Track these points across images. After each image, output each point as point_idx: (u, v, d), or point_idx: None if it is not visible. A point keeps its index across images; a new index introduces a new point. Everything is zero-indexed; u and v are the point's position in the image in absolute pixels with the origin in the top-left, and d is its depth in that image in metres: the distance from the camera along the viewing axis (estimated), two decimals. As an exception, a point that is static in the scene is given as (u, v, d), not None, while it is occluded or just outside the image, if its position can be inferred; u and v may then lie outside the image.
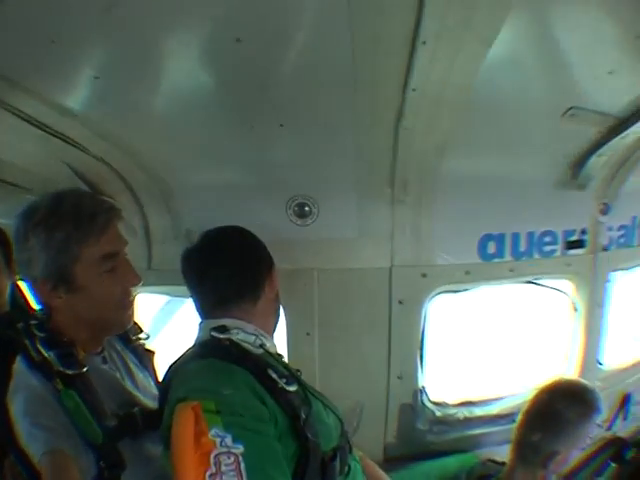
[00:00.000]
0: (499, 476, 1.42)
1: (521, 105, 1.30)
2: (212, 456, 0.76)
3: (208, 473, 0.75)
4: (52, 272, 0.95)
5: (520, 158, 1.52)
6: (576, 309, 1.86)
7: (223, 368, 0.91)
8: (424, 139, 1.29)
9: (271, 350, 1.05)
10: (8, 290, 1.50)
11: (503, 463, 1.53)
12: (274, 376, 0.92)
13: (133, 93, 1.14)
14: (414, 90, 1.09)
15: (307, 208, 1.40)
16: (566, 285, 1.84)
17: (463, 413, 1.76)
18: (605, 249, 1.82)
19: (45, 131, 1.26)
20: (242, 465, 0.76)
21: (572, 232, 1.73)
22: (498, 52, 1.04)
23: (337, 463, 0.97)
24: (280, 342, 1.28)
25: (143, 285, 1.23)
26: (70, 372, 0.93)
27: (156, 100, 1.18)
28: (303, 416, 0.90)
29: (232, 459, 0.76)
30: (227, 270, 1.06)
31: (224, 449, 0.76)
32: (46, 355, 0.94)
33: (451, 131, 1.28)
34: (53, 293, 0.96)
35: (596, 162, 1.56)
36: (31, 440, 0.87)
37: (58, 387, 0.91)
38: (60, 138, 1.29)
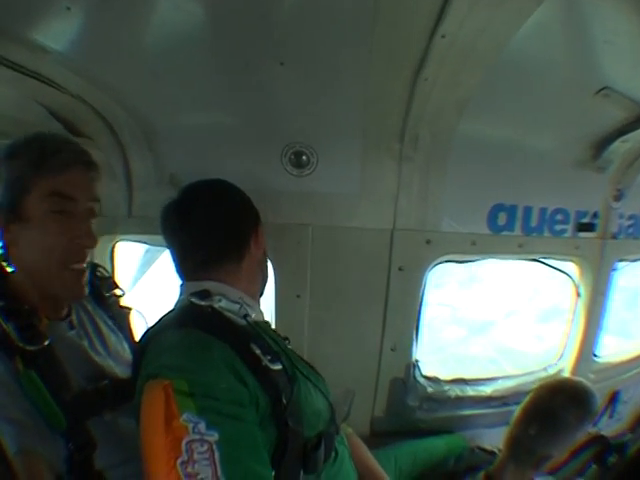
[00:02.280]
0: (489, 469, 1.38)
1: (554, 76, 1.22)
2: (184, 443, 0.69)
3: (179, 461, 0.68)
4: (4, 202, 0.90)
5: (542, 130, 1.42)
6: (579, 294, 1.79)
7: (201, 341, 0.81)
8: (443, 93, 1.17)
9: (257, 319, 0.96)
10: None
11: (492, 452, 1.49)
12: (257, 352, 0.83)
13: (111, 25, 1.01)
14: (443, 37, 0.97)
15: (305, 157, 1.26)
16: (572, 268, 1.77)
17: (455, 391, 1.70)
18: (614, 237, 1.75)
19: (16, 70, 1.14)
20: (216, 454, 0.69)
21: (584, 214, 1.66)
22: (540, 16, 0.95)
23: (321, 451, 0.89)
24: (267, 304, 1.18)
25: (123, 233, 1.12)
26: (31, 348, 0.84)
27: (138, 32, 1.05)
28: (284, 400, 0.82)
29: (206, 447, 0.69)
30: (208, 227, 0.97)
31: (197, 436, 0.69)
32: (5, 327, 0.85)
33: (474, 89, 1.17)
34: (5, 226, 0.91)
35: (619, 147, 1.50)
36: (2, 433, 0.80)
37: (18, 367, 0.83)
38: (33, 77, 1.18)
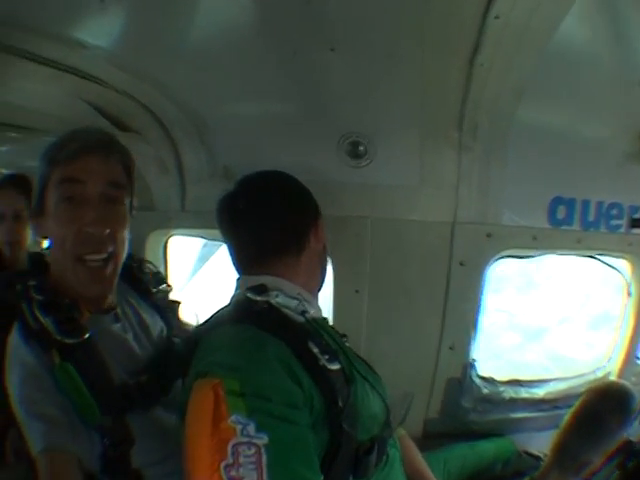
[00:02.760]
0: (533, 475, 1.34)
1: (601, 63, 1.18)
2: (230, 445, 0.65)
3: (224, 464, 0.64)
4: (35, 200, 0.91)
5: (595, 119, 1.36)
6: (630, 294, 1.71)
7: (256, 338, 0.78)
8: (500, 78, 1.12)
9: (315, 316, 0.92)
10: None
11: (538, 457, 1.44)
12: (315, 350, 0.79)
13: (152, 16, 0.99)
14: (497, 18, 0.93)
15: (362, 147, 1.21)
16: (624, 266, 1.70)
17: (509, 393, 1.64)
18: None
19: (55, 67, 1.14)
20: (264, 458, 0.65)
21: (637, 209, 1.58)
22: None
23: (373, 455, 0.84)
24: (325, 299, 1.14)
25: (176, 227, 1.09)
26: (69, 341, 0.82)
27: (181, 23, 1.02)
28: (341, 403, 0.77)
29: (253, 450, 0.65)
30: (265, 220, 0.94)
31: (245, 438, 0.66)
32: (43, 322, 0.83)
33: (530, 74, 1.12)
34: (34, 220, 0.93)
35: None
36: (28, 431, 0.79)
37: (54, 360, 0.80)
38: (73, 74, 1.17)
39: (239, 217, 0.95)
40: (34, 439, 0.78)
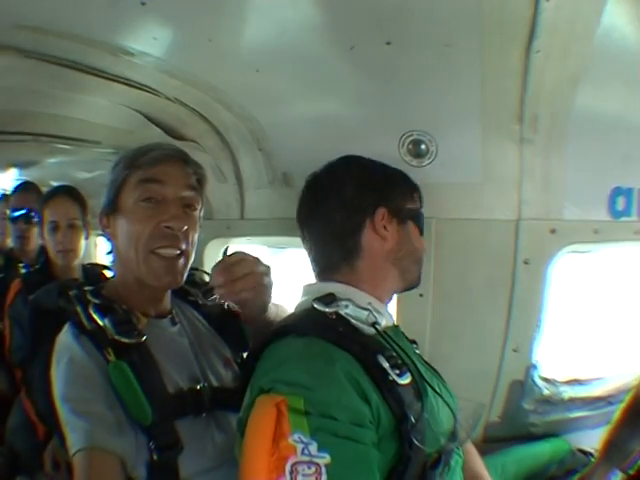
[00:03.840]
0: (584, 472, 1.29)
1: None
2: (289, 464, 0.64)
3: None
4: (107, 200, 0.94)
5: None
6: None
7: (323, 353, 0.75)
8: (557, 66, 1.09)
9: (386, 325, 0.88)
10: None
11: (589, 453, 1.42)
12: (385, 365, 0.76)
13: (199, 20, 0.98)
14: (548, 0, 0.91)
15: (424, 146, 1.19)
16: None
17: (568, 393, 1.60)
18: None
19: (102, 77, 1.12)
20: (323, 477, 0.63)
21: None
22: None
23: (440, 468, 0.81)
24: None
25: (236, 235, 1.07)
26: (125, 340, 0.83)
27: (231, 25, 1.02)
28: (413, 419, 0.75)
29: (313, 469, 0.63)
30: (325, 222, 0.90)
31: (305, 457, 0.64)
32: (100, 323, 0.85)
33: (586, 60, 1.09)
34: (105, 222, 0.95)
35: None
36: (71, 430, 0.79)
37: (109, 358, 0.81)
38: (122, 82, 1.15)
39: (305, 218, 0.93)
40: (76, 438, 0.77)
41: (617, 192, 1.40)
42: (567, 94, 1.17)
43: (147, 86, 1.22)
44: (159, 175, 0.90)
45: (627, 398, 1.28)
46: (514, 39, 1.01)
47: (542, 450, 1.47)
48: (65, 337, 0.87)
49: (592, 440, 1.45)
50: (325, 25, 1.00)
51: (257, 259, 0.90)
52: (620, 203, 1.41)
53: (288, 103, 1.23)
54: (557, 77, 1.12)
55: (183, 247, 0.91)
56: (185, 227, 0.90)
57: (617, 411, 1.28)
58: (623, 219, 1.42)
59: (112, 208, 0.93)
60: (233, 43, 1.05)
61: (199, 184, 0.95)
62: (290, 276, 1.03)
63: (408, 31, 1.00)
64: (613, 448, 1.24)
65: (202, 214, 0.98)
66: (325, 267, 0.91)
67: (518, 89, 1.12)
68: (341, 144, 1.22)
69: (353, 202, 0.90)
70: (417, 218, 0.95)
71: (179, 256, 0.91)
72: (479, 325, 1.32)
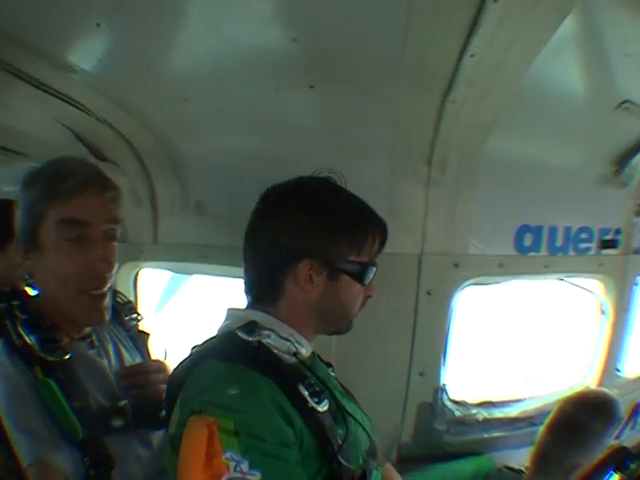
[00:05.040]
0: None
1: (574, 93, 1.22)
2: (224, 479, 0.67)
3: None
4: (23, 231, 0.91)
5: (565, 148, 1.42)
6: (603, 312, 1.78)
7: (248, 379, 0.78)
8: (471, 115, 1.16)
9: (306, 356, 0.90)
10: None
11: (519, 470, 1.46)
12: (305, 393, 0.79)
13: (142, 45, 1.00)
14: (472, 56, 0.96)
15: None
16: (595, 286, 1.76)
17: (482, 414, 1.67)
18: (636, 252, 1.75)
19: (40, 89, 1.13)
20: None
21: (607, 231, 1.66)
22: (559, 31, 0.94)
23: None
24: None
25: (148, 260, 1.10)
26: (51, 359, 0.85)
27: (168, 54, 1.05)
28: (339, 442, 0.79)
29: None
30: (257, 250, 0.88)
31: (238, 474, 0.68)
32: (27, 339, 0.86)
33: (501, 110, 1.16)
34: (24, 255, 0.92)
35: None
36: (17, 445, 0.81)
37: (37, 376, 0.83)
38: (58, 97, 1.17)
39: (246, 239, 0.89)
40: (23, 453, 0.80)
41: (525, 229, 1.48)
42: (478, 140, 1.25)
43: (81, 104, 1.22)
44: (81, 213, 0.87)
45: (551, 413, 1.38)
46: (432, 88, 1.06)
47: (464, 467, 1.53)
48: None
49: (520, 459, 1.51)
50: (253, 64, 1.03)
51: (158, 367, 0.97)
52: (527, 239, 1.49)
53: (209, 134, 1.26)
54: (470, 125, 1.19)
55: (110, 282, 0.92)
56: (114, 269, 0.91)
57: (543, 427, 1.37)
58: (531, 254, 1.51)
59: (32, 243, 0.90)
60: (165, 71, 1.09)
61: (117, 205, 0.94)
62: (194, 302, 1.05)
63: (330, 77, 1.04)
64: (548, 461, 1.31)
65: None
66: (253, 293, 0.90)
67: (429, 134, 1.19)
68: (254, 176, 1.27)
69: (283, 243, 0.85)
70: (358, 273, 0.88)
71: (106, 293, 0.92)
72: (384, 351, 1.38)
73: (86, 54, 1.05)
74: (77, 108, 1.21)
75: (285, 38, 0.95)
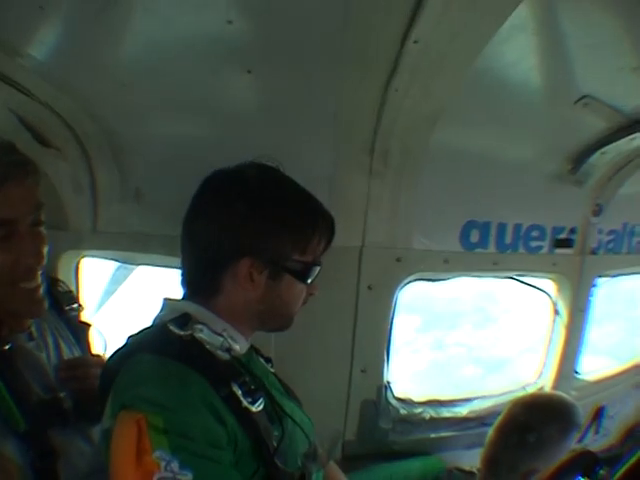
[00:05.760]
0: None
1: (530, 85, 1.20)
2: (155, 478, 0.66)
3: None
4: None
5: (518, 142, 1.41)
6: (557, 312, 1.79)
7: (179, 375, 0.75)
8: (415, 105, 1.14)
9: (242, 352, 0.87)
10: None
11: (471, 472, 1.46)
12: (238, 392, 0.77)
13: (85, 29, 0.99)
14: (415, 42, 0.93)
15: (272, 171, 1.24)
16: (549, 286, 1.77)
17: (429, 413, 1.66)
18: (593, 252, 1.75)
19: None
20: None
21: (561, 230, 1.66)
22: (516, 20, 0.91)
23: None
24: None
25: (88, 248, 1.07)
26: None
27: (111, 39, 1.03)
28: (274, 443, 0.78)
29: None
30: (196, 238, 0.84)
31: (169, 474, 0.67)
32: None
33: (448, 99, 1.13)
34: None
35: (599, 159, 1.48)
36: None
37: None
38: (5, 81, 1.14)
39: (185, 223, 0.85)
40: None
41: (471, 225, 1.48)
42: (423, 131, 1.22)
43: (25, 88, 1.20)
44: (6, 210, 0.84)
45: (500, 416, 1.36)
46: (373, 76, 1.04)
47: (412, 467, 1.52)
48: None
49: (471, 460, 1.50)
50: (189, 49, 1.02)
51: (97, 360, 0.96)
52: (474, 236, 1.50)
53: (148, 120, 1.24)
54: (414, 115, 1.16)
55: (41, 273, 0.90)
56: (44, 261, 0.89)
57: (491, 430, 1.35)
58: (478, 250, 1.51)
59: None
60: (107, 56, 1.07)
61: (38, 187, 0.90)
62: (140, 294, 1.03)
63: (269, 61, 1.02)
64: (500, 466, 1.29)
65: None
66: (188, 285, 0.87)
67: (372, 124, 1.17)
68: (194, 164, 1.25)
69: (223, 238, 0.81)
70: (302, 273, 0.86)
71: (40, 285, 0.91)
72: (325, 347, 1.37)
73: (30, 37, 1.03)
74: (21, 92, 1.19)
75: (220, 20, 0.93)
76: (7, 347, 0.87)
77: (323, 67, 1.05)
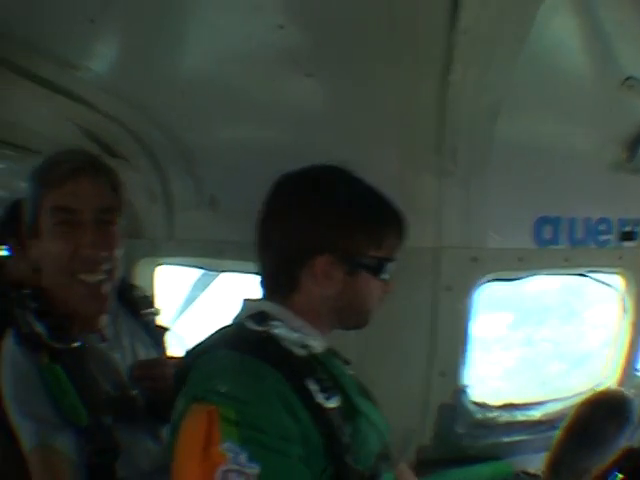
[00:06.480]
0: None
1: (576, 69, 1.17)
2: (219, 471, 0.64)
3: None
4: (26, 221, 0.94)
5: (575, 130, 1.37)
6: (625, 309, 1.71)
7: (255, 369, 0.75)
8: (475, 97, 1.12)
9: (318, 349, 0.85)
10: None
11: (535, 475, 1.43)
12: (313, 388, 0.76)
13: (143, 41, 1.01)
14: (464, 33, 0.93)
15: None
16: (617, 281, 1.70)
17: (504, 417, 1.61)
18: None
19: (47, 87, 1.15)
20: None
21: (626, 222, 1.59)
22: (550, 3, 0.90)
23: None
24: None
25: (164, 256, 1.09)
26: (58, 345, 0.87)
27: (169, 50, 1.05)
28: (346, 441, 0.76)
29: (242, 479, 0.64)
30: (272, 239, 0.84)
31: (235, 466, 0.65)
32: (35, 327, 0.88)
33: (505, 90, 1.12)
34: (28, 243, 0.94)
35: None
36: (21, 430, 0.83)
37: (43, 360, 0.84)
38: (65, 95, 1.17)
39: (260, 223, 0.85)
40: (26, 437, 0.81)
41: (543, 221, 1.44)
42: (486, 125, 1.20)
43: (88, 101, 1.23)
44: (70, 201, 0.89)
45: (568, 416, 1.34)
46: (429, 71, 1.04)
47: (482, 472, 1.49)
48: (8, 342, 0.89)
49: (537, 464, 1.47)
50: (249, 57, 1.03)
51: (173, 361, 0.96)
52: (546, 232, 1.45)
53: (216, 127, 1.26)
54: (474, 108, 1.15)
55: (106, 268, 0.92)
56: (104, 253, 0.90)
57: (559, 431, 1.32)
58: (551, 247, 1.47)
59: (33, 231, 0.93)
60: (170, 67, 1.09)
61: (115, 192, 0.95)
62: (222, 300, 1.03)
63: (325, 64, 1.03)
64: (562, 466, 1.28)
65: (124, 223, 0.97)
66: (267, 286, 0.87)
67: (435, 121, 1.15)
68: (267, 169, 1.26)
69: (299, 235, 0.81)
70: (377, 268, 0.85)
71: (102, 281, 0.92)
72: (403, 350, 1.34)
73: (84, 50, 1.06)
74: (85, 105, 1.22)
75: (271, 26, 0.94)
76: (76, 345, 0.89)
77: (379, 67, 1.04)
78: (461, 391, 1.46)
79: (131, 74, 1.12)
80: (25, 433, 0.81)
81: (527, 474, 1.48)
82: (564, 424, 1.33)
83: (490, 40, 0.97)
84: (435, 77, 1.04)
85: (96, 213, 0.91)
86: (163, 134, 1.28)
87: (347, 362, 0.98)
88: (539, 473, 1.41)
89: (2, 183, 2.09)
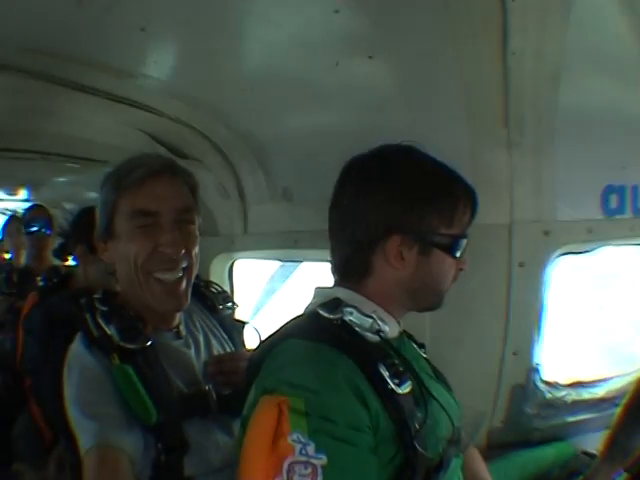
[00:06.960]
0: (586, 473, 1.30)
1: (620, 31, 1.14)
2: (286, 463, 0.65)
3: None
4: (100, 225, 0.95)
5: (631, 95, 1.33)
6: None
7: (325, 357, 0.75)
8: (536, 65, 1.12)
9: (392, 334, 0.85)
10: None
11: (594, 455, 1.39)
12: (385, 374, 0.75)
13: (199, 44, 1.03)
14: (514, 0, 0.94)
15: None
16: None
17: (572, 396, 1.59)
18: None
19: (108, 98, 1.18)
20: (319, 478, 0.64)
21: None
22: None
23: (442, 472, 0.81)
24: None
25: (240, 250, 1.10)
26: (130, 346, 0.87)
27: (229, 49, 1.07)
28: (416, 426, 0.75)
29: (309, 470, 0.65)
30: (345, 222, 0.84)
31: (302, 457, 0.65)
32: (106, 330, 0.88)
33: (562, 56, 1.11)
34: (102, 247, 0.96)
35: None
36: (81, 432, 0.82)
37: (114, 362, 0.85)
38: (127, 103, 1.20)
39: (331, 210, 0.85)
40: (86, 438, 0.80)
41: (609, 190, 1.41)
42: (550, 94, 1.20)
43: (150, 107, 1.27)
44: (148, 203, 0.90)
45: (627, 395, 1.29)
46: (488, 43, 1.04)
47: (546, 454, 1.47)
48: (76, 346, 0.90)
49: (597, 443, 1.45)
50: (309, 44, 1.04)
51: (245, 355, 0.96)
52: (613, 201, 1.42)
53: (284, 119, 1.27)
54: (536, 77, 1.15)
55: (184, 266, 0.93)
56: (183, 251, 0.91)
57: (618, 409, 1.28)
58: (617, 217, 1.44)
59: (107, 234, 0.94)
60: (228, 65, 1.11)
61: (192, 192, 0.96)
62: (302, 291, 1.04)
63: (385, 45, 1.03)
64: (616, 447, 1.23)
65: (200, 222, 0.98)
66: (339, 272, 0.87)
67: (500, 92, 1.15)
68: (336, 158, 1.27)
69: (370, 218, 0.80)
70: (450, 246, 0.83)
71: (180, 279, 0.93)
72: (478, 329, 1.34)
73: (139, 59, 1.09)
74: (146, 111, 1.25)
75: (327, 12, 0.95)
76: (148, 344, 0.89)
77: (438, 45, 1.05)
78: (534, 370, 1.44)
79: (193, 76, 1.14)
80: (85, 434, 0.81)
81: (587, 454, 1.45)
82: (623, 402, 1.28)
83: (539, 5, 0.98)
84: (494, 48, 1.05)
85: (175, 214, 0.91)
86: (231, 131, 1.30)
87: (421, 345, 0.99)
88: (596, 452, 1.36)
89: (68, 194, 2.14)
